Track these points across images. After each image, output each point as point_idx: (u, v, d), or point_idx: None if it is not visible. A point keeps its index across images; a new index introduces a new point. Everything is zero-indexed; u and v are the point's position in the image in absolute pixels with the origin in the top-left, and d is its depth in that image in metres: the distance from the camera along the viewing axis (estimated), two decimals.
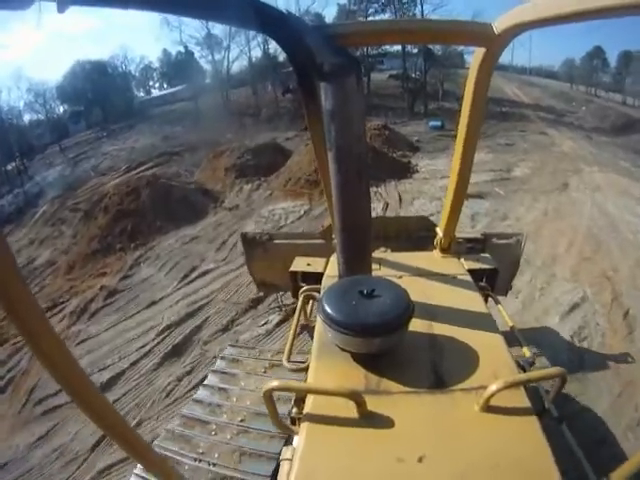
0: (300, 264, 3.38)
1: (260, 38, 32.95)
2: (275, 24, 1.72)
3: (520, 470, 1.29)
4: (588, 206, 11.18)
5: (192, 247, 10.58)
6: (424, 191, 12.74)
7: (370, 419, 1.47)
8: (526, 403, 1.51)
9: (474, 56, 2.03)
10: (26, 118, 36.11)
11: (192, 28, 35.25)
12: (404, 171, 14.65)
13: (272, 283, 4.29)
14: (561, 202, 11.68)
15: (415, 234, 3.82)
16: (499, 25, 1.79)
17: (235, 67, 36.80)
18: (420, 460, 1.32)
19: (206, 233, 11.32)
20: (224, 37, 35.11)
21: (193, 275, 9.03)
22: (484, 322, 2.00)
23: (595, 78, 38.46)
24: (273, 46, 33.92)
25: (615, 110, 30.79)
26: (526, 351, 2.21)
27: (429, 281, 2.43)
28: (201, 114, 33.03)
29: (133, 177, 15.52)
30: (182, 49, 38.33)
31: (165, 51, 40.99)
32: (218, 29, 34.24)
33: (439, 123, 23.41)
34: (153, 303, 8.18)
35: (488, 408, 1.47)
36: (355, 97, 1.82)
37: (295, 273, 3.36)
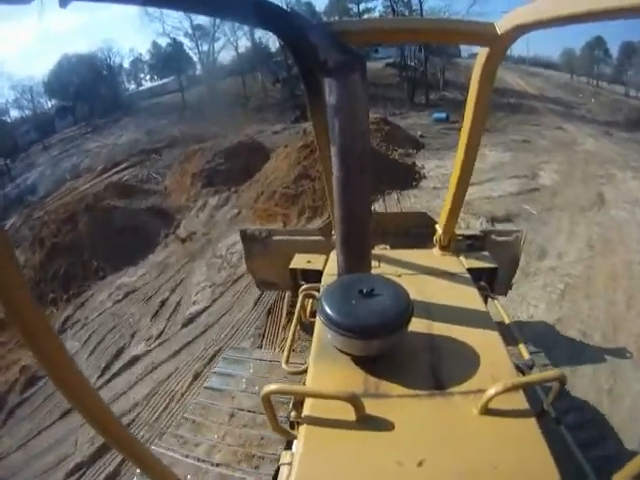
0: (300, 261, 3.13)
1: (246, 27, 29.71)
2: (278, 21, 1.64)
3: (520, 473, 1.21)
4: (634, 230, 8.75)
5: (125, 309, 7.69)
6: (436, 209, 9.41)
7: (369, 422, 1.36)
8: (525, 405, 1.40)
9: (478, 56, 1.91)
10: (14, 115, 34.69)
11: (174, 19, 31.85)
12: (408, 177, 11.09)
13: (272, 282, 3.93)
14: (603, 224, 9.01)
15: (414, 230, 3.45)
16: (502, 25, 1.69)
17: (225, 57, 33.59)
18: (419, 464, 1.24)
19: (145, 283, 8.28)
20: (211, 27, 31.74)
21: (117, 366, 6.31)
22: (483, 322, 1.84)
23: (597, 69, 35.57)
24: (259, 35, 31.20)
25: (626, 103, 27.70)
26: (525, 353, 1.98)
27: (429, 279, 2.26)
28: (188, 106, 30.47)
29: (75, 199, 12.36)
30: (169, 40, 35.33)
31: (155, 43, 38.10)
32: (202, 19, 31.03)
33: (443, 115, 19.64)
34: (68, 412, 5.81)
35: (487, 411, 1.36)
36: (359, 93, 1.70)
37: (295, 271, 3.11)
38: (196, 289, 7.48)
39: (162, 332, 6.68)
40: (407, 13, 26.61)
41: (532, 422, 1.34)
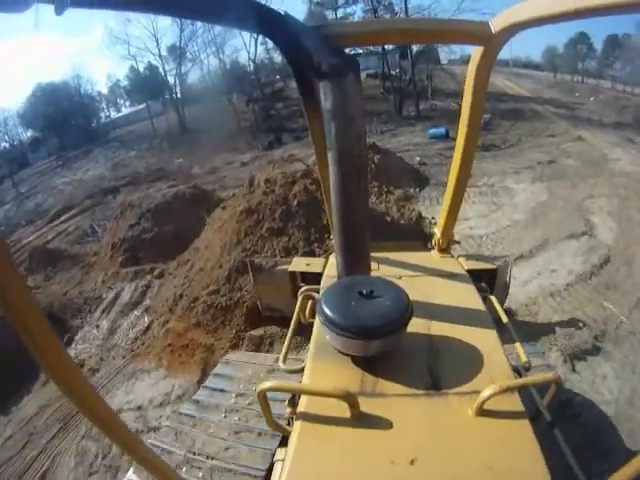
0: (299, 264, 3.06)
1: (215, 46, 26.08)
2: (272, 25, 1.55)
3: (511, 474, 1.14)
4: None
5: None
6: None
7: (364, 420, 1.29)
8: (520, 407, 1.33)
9: (472, 55, 1.83)
10: None
11: (137, 39, 28.28)
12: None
13: (276, 308, 3.83)
14: None
15: None
16: (496, 24, 1.60)
17: (196, 79, 29.97)
18: (412, 462, 1.16)
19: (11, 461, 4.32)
20: (179, 48, 28.02)
21: None
22: (481, 323, 1.74)
23: (582, 65, 33.16)
24: (229, 53, 27.73)
25: (625, 100, 24.13)
26: (522, 354, 1.81)
27: (428, 281, 2.15)
28: (158, 135, 27.08)
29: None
30: (134, 64, 31.67)
31: (132, 68, 34.57)
32: (171, 39, 27.51)
33: (442, 130, 15.06)
34: None
35: (482, 412, 1.28)
36: (354, 96, 1.63)
37: (294, 273, 3.03)
38: None
39: None
40: (389, 16, 22.67)
41: (526, 424, 1.26)
